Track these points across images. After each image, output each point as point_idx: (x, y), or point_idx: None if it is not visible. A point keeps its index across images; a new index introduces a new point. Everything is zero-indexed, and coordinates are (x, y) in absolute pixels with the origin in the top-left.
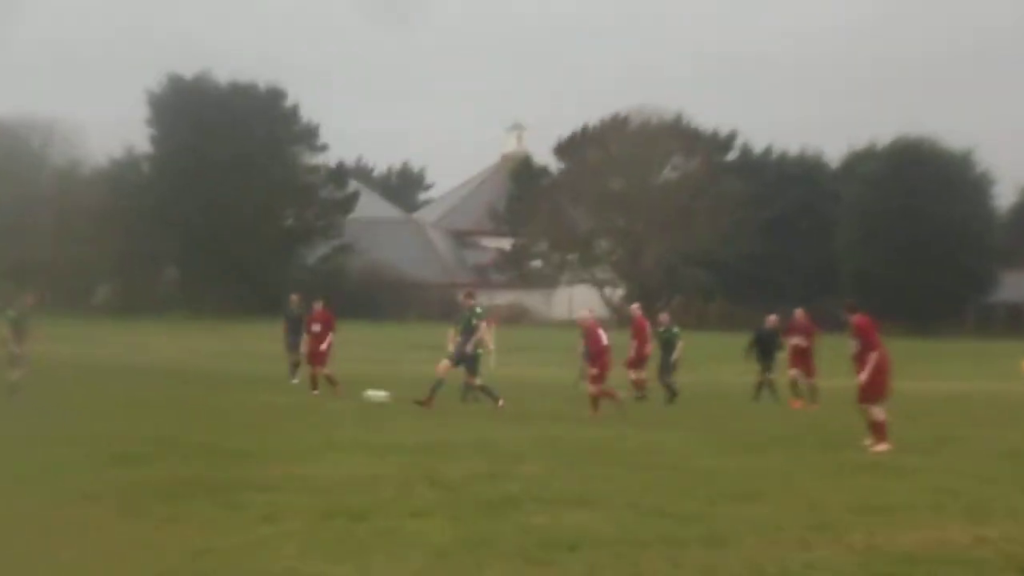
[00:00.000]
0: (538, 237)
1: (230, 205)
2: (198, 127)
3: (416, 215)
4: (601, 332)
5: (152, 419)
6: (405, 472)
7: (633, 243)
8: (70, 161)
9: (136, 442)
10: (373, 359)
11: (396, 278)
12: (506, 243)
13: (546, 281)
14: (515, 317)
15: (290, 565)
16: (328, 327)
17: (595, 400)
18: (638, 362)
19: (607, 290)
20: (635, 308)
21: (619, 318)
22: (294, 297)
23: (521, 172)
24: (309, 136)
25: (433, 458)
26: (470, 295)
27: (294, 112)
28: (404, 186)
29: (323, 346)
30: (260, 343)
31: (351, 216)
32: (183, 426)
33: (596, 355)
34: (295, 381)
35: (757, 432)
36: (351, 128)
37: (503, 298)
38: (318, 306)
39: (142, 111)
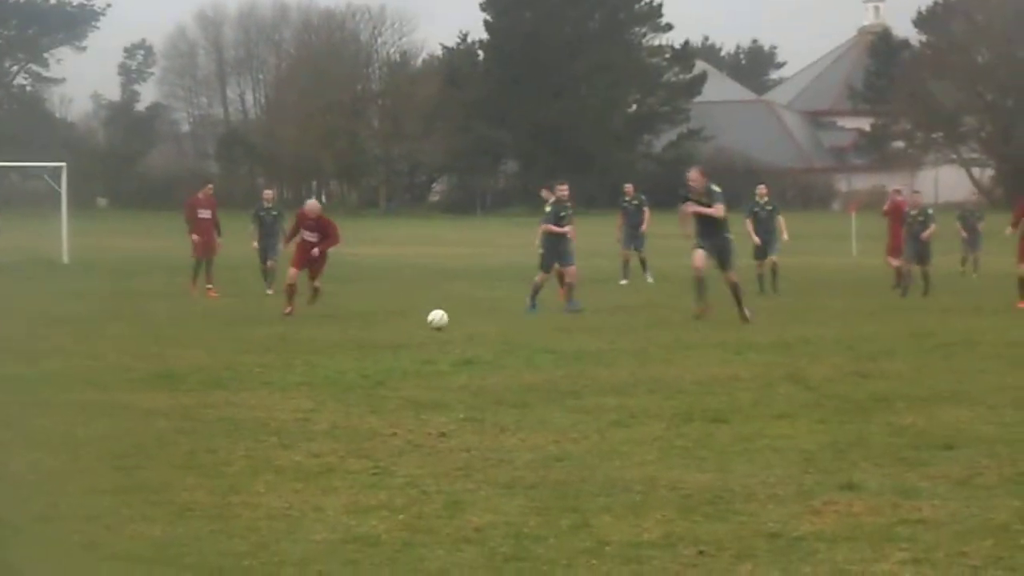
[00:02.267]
0: (899, 116)
1: (569, 92)
2: (534, 9)
3: (767, 96)
4: None
5: (482, 323)
6: (765, 372)
7: (1003, 119)
8: (401, 52)
9: (479, 346)
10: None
11: (748, 164)
12: (865, 123)
13: (909, 162)
14: (876, 202)
15: (648, 472)
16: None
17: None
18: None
19: (975, 171)
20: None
21: (989, 201)
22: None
23: (880, 46)
24: (652, 15)
25: (793, 356)
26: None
27: None
28: (754, 66)
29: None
30: (600, 239)
31: (698, 99)
32: (517, 330)
33: None
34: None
35: None
36: (698, 6)
37: (862, 182)
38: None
39: None
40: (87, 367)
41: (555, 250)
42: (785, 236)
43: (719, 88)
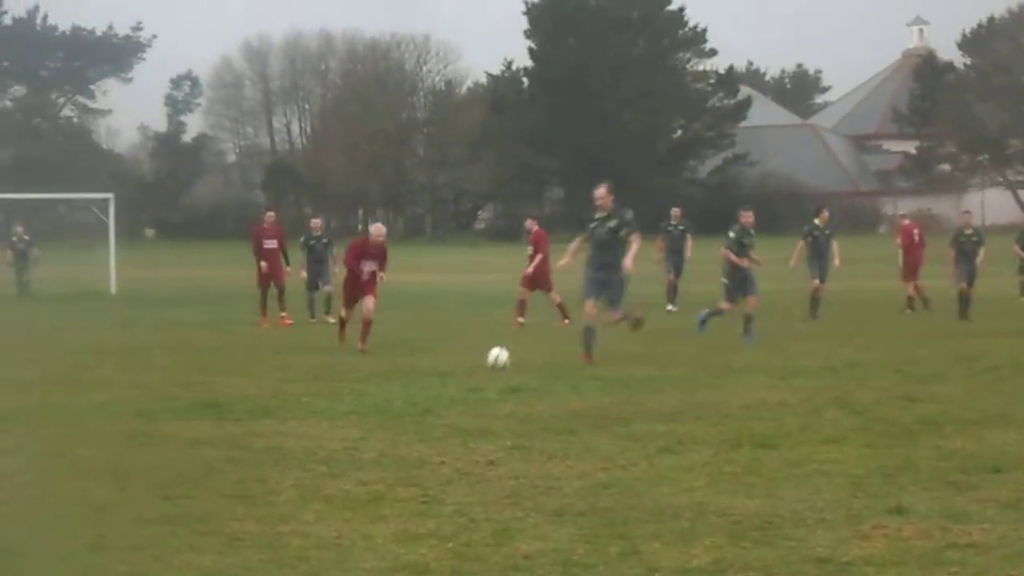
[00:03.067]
0: (945, 138)
1: (614, 118)
2: (578, 36)
3: (813, 120)
4: None
5: (528, 349)
6: (813, 396)
7: None
8: (446, 81)
9: (525, 373)
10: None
11: (794, 188)
12: (910, 146)
13: (955, 185)
14: (924, 225)
15: (698, 499)
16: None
17: None
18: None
19: (1022, 193)
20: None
21: None
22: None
23: (925, 69)
24: (696, 41)
25: (841, 380)
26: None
27: (679, 16)
28: (799, 90)
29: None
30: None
31: (743, 124)
32: (563, 356)
33: None
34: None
35: None
36: (741, 32)
37: (909, 205)
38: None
39: (520, 22)
40: (134, 397)
41: (738, 279)
42: (837, 262)
43: (764, 113)
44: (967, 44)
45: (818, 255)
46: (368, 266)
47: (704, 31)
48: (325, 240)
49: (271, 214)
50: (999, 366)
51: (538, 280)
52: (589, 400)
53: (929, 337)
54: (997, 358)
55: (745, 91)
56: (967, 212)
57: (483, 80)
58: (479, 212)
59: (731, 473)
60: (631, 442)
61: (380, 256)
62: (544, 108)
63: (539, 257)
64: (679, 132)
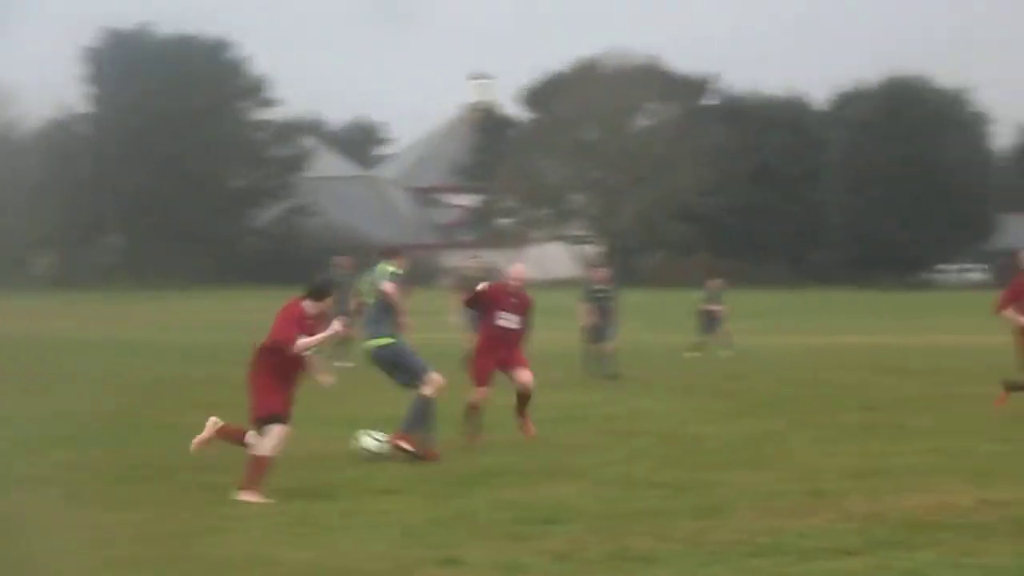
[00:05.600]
0: (506, 192)
1: (175, 166)
2: (139, 84)
3: (375, 172)
4: None
5: (100, 396)
6: None
7: (609, 196)
8: (1, 125)
9: (82, 421)
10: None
11: (356, 240)
12: (472, 199)
13: (517, 239)
14: (484, 279)
15: (250, 550)
16: None
17: None
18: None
19: (582, 247)
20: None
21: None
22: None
23: (486, 123)
24: (257, 90)
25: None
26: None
27: (241, 65)
28: (362, 141)
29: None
30: (214, 313)
31: (305, 175)
32: (134, 403)
33: None
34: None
35: (748, 394)
36: (304, 81)
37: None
38: None
39: (77, 68)
40: None
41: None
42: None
43: (326, 163)
44: (529, 99)
45: None
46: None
47: (266, 80)
48: None
49: None
50: (556, 418)
51: None
52: (143, 448)
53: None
54: (554, 410)
55: (307, 141)
56: (599, 268)
57: (41, 125)
58: (37, 258)
59: (284, 524)
60: (188, 492)
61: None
62: (105, 155)
63: None
64: (240, 181)
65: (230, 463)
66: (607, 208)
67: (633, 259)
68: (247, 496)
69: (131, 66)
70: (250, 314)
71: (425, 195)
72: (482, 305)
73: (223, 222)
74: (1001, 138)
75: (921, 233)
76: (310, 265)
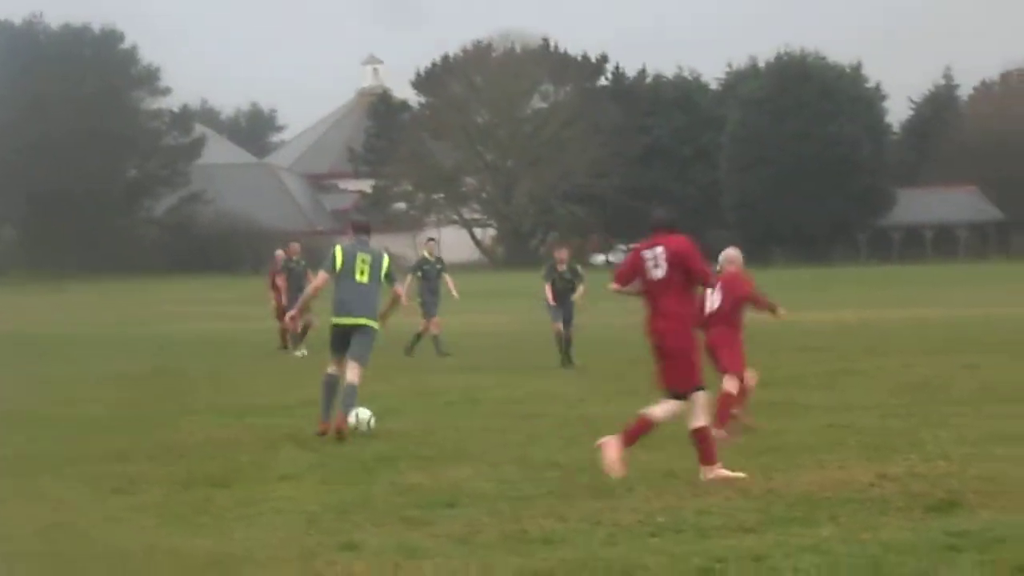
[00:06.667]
0: (400, 177)
1: (68, 158)
2: (31, 74)
3: (269, 159)
4: None
5: None
6: (268, 434)
7: (503, 179)
8: None
9: None
10: (230, 315)
11: (250, 227)
12: (366, 185)
13: (412, 224)
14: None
15: (147, 539)
16: None
17: None
18: None
19: (478, 231)
20: None
21: (492, 261)
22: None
23: (379, 108)
24: (149, 79)
25: (296, 418)
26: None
27: (132, 54)
28: (254, 129)
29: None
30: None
31: (198, 163)
32: (29, 397)
33: None
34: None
35: (644, 374)
36: (196, 69)
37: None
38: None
39: None
40: None
41: None
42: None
43: (220, 151)
44: (421, 83)
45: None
46: None
47: (157, 69)
48: None
49: None
50: (454, 401)
51: None
52: (41, 442)
53: (387, 372)
54: (452, 394)
55: (200, 129)
56: (562, 248)
57: None
58: None
59: (182, 513)
60: (81, 484)
61: None
62: None
63: None
64: (134, 171)
65: (135, 454)
66: (501, 191)
67: (527, 241)
68: (721, 471)
69: (20, 56)
70: (146, 307)
71: (319, 182)
72: None
73: (119, 212)
74: (896, 113)
75: (818, 209)
76: (206, 252)
